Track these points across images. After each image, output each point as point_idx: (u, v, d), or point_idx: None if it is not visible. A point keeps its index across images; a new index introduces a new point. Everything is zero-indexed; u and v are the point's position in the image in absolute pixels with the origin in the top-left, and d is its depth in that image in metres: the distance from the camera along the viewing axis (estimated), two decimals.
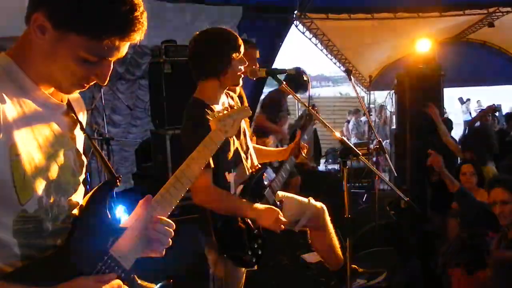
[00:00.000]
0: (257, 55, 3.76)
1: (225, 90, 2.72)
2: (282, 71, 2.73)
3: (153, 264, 1.53)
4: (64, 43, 1.19)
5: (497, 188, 3.33)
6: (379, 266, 3.71)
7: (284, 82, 2.68)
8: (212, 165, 2.36)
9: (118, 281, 1.27)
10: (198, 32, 2.63)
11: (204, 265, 2.68)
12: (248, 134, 2.82)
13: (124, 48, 1.26)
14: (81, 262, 1.25)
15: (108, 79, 1.29)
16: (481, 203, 3.74)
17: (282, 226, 2.62)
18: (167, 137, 5.10)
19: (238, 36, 2.61)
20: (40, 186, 1.22)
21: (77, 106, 1.45)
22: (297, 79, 4.57)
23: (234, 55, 2.56)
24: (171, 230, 1.41)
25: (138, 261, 1.38)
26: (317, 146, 8.92)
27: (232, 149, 2.57)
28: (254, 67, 2.72)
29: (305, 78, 3.10)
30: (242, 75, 2.67)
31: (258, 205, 2.60)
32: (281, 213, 2.64)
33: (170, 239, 1.41)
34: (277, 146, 4.97)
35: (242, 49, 2.60)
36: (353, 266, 3.43)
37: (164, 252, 1.42)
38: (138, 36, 1.25)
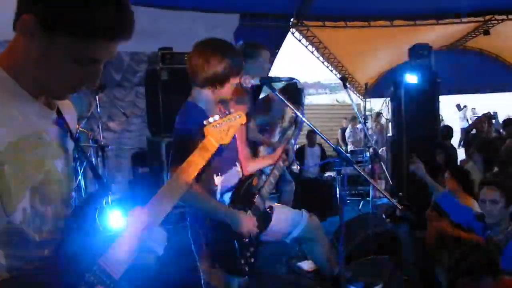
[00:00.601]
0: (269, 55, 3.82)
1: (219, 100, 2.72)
2: (276, 79, 2.72)
3: (146, 273, 1.52)
4: (53, 46, 1.18)
5: (488, 187, 3.39)
6: (374, 274, 3.69)
7: (277, 90, 2.68)
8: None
9: None
10: (204, 40, 2.62)
11: (197, 274, 2.67)
12: (237, 141, 2.80)
13: (114, 49, 1.25)
14: (69, 272, 1.23)
15: (98, 81, 1.28)
16: (465, 207, 3.76)
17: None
18: (163, 144, 5.10)
19: (240, 54, 2.61)
20: (26, 196, 1.21)
21: (68, 114, 1.43)
22: (292, 87, 4.58)
23: (233, 75, 2.58)
24: (163, 239, 1.40)
25: (130, 270, 1.37)
26: (324, 160, 8.94)
27: (223, 153, 2.55)
28: (247, 76, 2.71)
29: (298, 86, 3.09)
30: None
31: (235, 211, 2.58)
32: (255, 223, 2.64)
33: (161, 248, 1.40)
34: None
35: (242, 68, 2.61)
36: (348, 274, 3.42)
37: (153, 261, 1.40)
38: (127, 37, 1.23)
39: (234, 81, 2.61)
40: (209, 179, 2.56)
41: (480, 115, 8.88)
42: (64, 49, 1.18)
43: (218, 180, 2.60)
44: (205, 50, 2.56)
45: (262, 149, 4.62)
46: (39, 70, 1.21)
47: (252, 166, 3.02)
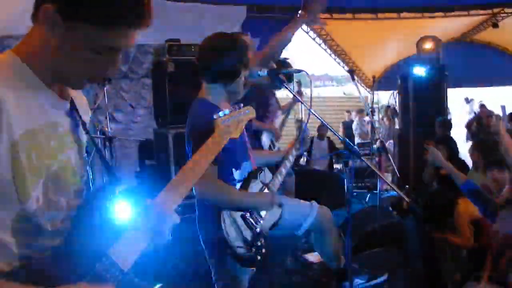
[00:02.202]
0: (252, 43, 3.75)
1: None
2: (285, 71, 2.71)
3: (155, 265, 1.52)
4: (73, 35, 1.19)
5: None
6: (381, 267, 3.69)
7: (285, 83, 2.67)
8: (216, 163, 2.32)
9: None
10: (215, 34, 2.59)
11: (207, 267, 2.65)
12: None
13: (132, 38, 1.26)
14: (79, 262, 1.24)
15: (116, 71, 1.30)
16: (488, 197, 3.72)
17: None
18: (170, 136, 5.09)
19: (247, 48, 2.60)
20: (40, 185, 1.22)
21: (81, 106, 1.44)
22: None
23: (243, 68, 2.56)
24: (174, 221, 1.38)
25: (138, 262, 1.36)
26: (331, 155, 8.92)
27: (235, 147, 2.54)
28: (254, 67, 2.69)
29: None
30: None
31: (262, 193, 2.64)
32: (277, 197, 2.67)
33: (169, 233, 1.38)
34: (269, 147, 4.78)
35: (249, 62, 2.60)
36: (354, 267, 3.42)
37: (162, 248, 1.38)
38: (146, 25, 1.25)
39: (244, 74, 2.59)
40: (229, 173, 2.54)
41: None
42: (83, 37, 1.20)
43: (237, 174, 2.59)
44: (216, 45, 2.54)
45: (264, 136, 4.59)
46: (57, 58, 1.23)
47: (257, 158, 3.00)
